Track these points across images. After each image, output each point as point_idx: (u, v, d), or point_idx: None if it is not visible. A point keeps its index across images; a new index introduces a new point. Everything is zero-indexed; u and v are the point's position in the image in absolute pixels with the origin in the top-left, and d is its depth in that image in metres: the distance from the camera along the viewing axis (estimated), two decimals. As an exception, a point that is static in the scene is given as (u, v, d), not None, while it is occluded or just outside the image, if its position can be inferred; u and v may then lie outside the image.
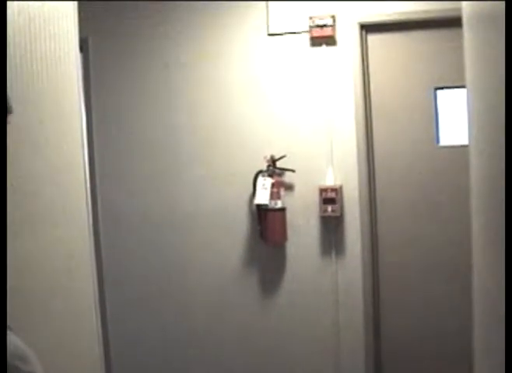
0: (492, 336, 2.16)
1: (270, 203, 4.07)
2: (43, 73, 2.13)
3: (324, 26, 4.05)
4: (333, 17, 4.05)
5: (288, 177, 4.19)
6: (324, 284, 4.22)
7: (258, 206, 4.13)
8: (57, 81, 2.26)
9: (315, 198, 4.13)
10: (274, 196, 4.07)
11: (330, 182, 4.15)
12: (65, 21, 2.33)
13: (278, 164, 4.15)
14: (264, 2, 4.17)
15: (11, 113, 0.93)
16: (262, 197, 4.06)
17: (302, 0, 4.11)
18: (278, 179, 4.13)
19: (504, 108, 1.62)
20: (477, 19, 2.26)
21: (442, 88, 4.07)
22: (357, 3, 4.06)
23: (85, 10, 2.71)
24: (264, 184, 4.07)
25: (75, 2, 2.45)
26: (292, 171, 4.15)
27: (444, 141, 4.10)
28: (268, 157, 4.14)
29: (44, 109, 2.14)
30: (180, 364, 4.47)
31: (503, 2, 1.68)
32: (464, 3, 2.50)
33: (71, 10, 2.39)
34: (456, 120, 4.03)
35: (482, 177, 2.30)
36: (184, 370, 4.46)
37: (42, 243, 2.04)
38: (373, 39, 4.13)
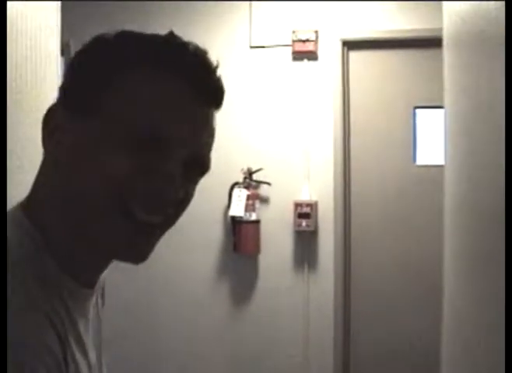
0: (459, 355, 2.17)
1: (245, 215, 4.06)
2: (23, 78, 2.10)
3: (307, 40, 4.07)
4: (316, 32, 4.07)
5: (263, 190, 4.18)
6: (296, 298, 4.21)
7: (233, 217, 4.12)
8: (37, 87, 2.23)
9: (290, 212, 4.13)
10: (249, 208, 4.06)
11: (305, 197, 4.15)
12: (47, 23, 2.30)
13: (255, 177, 4.15)
14: (247, 14, 4.18)
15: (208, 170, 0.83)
16: (237, 209, 4.05)
17: (286, 0, 4.13)
18: (254, 191, 4.13)
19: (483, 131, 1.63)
20: (457, 41, 2.28)
21: (421, 107, 4.10)
22: (340, 19, 4.09)
23: (67, 13, 2.69)
24: (240, 196, 4.06)
25: (59, 3, 2.41)
26: (268, 184, 4.15)
27: (421, 160, 4.12)
28: (245, 169, 4.14)
29: (23, 115, 2.10)
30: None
31: (484, 26, 1.69)
32: (445, 25, 2.52)
33: (55, 11, 2.36)
34: (433, 139, 4.06)
35: (455, 198, 2.31)
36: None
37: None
38: (355, 56, 4.15)
